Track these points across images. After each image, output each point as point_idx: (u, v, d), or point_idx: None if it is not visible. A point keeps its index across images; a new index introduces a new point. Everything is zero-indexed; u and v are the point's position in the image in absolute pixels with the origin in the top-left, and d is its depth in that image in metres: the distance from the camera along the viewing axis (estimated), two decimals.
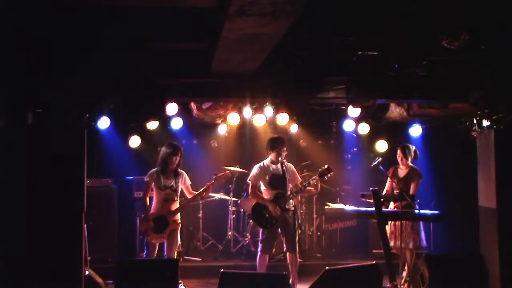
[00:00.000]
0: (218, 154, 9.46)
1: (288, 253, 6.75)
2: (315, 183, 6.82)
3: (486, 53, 5.41)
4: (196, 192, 6.68)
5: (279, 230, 6.75)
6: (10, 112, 6.01)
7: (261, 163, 6.87)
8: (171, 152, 6.57)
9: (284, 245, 6.86)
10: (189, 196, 6.69)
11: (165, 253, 6.59)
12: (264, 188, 6.82)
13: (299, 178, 7.04)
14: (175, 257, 6.53)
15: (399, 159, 7.21)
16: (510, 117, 6.73)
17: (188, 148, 9.36)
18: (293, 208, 6.57)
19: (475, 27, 4.86)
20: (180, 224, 6.71)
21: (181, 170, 6.72)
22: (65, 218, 5.67)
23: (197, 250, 8.85)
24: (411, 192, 6.91)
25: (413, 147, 7.26)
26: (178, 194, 6.63)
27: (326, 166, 6.73)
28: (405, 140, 8.81)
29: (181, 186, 6.65)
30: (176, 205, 6.62)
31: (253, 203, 6.84)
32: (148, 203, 6.58)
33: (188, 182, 6.73)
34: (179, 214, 6.63)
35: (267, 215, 6.66)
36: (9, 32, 5.05)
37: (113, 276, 5.72)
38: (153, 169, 6.64)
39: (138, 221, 7.96)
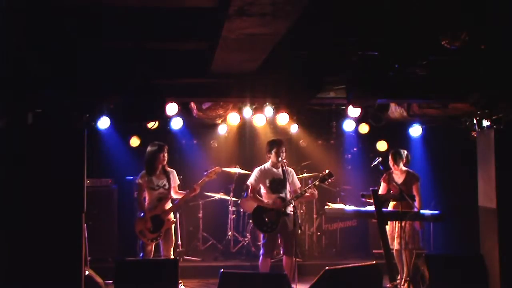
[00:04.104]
0: (218, 154, 9.46)
1: (284, 256, 6.75)
2: (312, 191, 6.80)
3: (486, 53, 5.40)
4: (183, 192, 6.69)
5: (278, 234, 6.74)
6: (10, 112, 6.01)
7: (262, 167, 6.85)
8: (157, 150, 6.57)
9: (281, 248, 6.86)
10: (174, 196, 6.69)
11: (162, 253, 6.59)
12: (264, 191, 6.80)
13: (299, 184, 7.03)
14: (172, 256, 6.53)
15: (390, 164, 7.20)
16: (510, 117, 6.73)
17: (188, 148, 9.41)
18: (292, 212, 6.57)
19: (475, 27, 4.85)
20: (174, 223, 6.71)
21: (171, 169, 6.73)
22: (65, 218, 5.66)
23: (197, 250, 8.85)
24: (415, 195, 6.92)
25: (404, 152, 7.23)
26: (171, 192, 6.64)
27: (327, 171, 6.73)
28: (405, 140, 8.85)
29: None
30: (169, 204, 6.63)
31: (254, 206, 6.83)
32: (143, 203, 6.58)
33: (177, 181, 6.74)
34: (172, 212, 6.64)
35: (267, 219, 6.65)
36: (9, 32, 5.05)
37: (113, 276, 5.72)
38: (144, 171, 6.62)
39: None
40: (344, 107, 8.22)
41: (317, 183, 6.77)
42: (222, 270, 5.34)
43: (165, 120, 8.22)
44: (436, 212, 6.60)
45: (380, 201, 6.46)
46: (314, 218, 8.89)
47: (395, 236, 6.96)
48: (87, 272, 6.22)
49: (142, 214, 6.52)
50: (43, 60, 5.80)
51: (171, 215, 6.61)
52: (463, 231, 8.19)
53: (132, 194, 8.33)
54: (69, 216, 5.69)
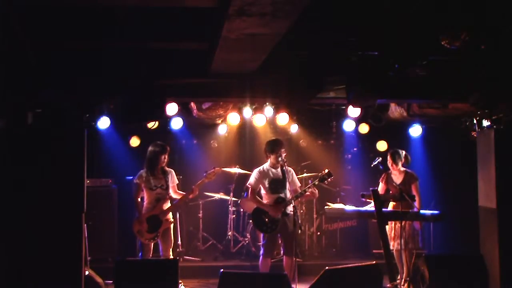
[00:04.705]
0: (218, 154, 9.46)
1: (284, 257, 6.74)
2: (312, 190, 6.77)
3: (486, 53, 5.40)
4: (182, 193, 6.69)
5: (278, 234, 6.73)
6: (10, 112, 6.01)
7: (261, 168, 6.82)
8: (160, 151, 6.57)
9: (281, 248, 6.86)
10: (174, 195, 6.69)
11: (161, 253, 6.59)
12: (264, 192, 6.79)
13: (299, 183, 7.01)
14: (171, 257, 6.53)
15: (389, 164, 7.17)
16: (510, 117, 6.73)
17: (188, 148, 9.41)
18: (292, 212, 6.56)
19: (475, 27, 4.85)
20: (173, 223, 6.70)
21: (169, 169, 6.73)
22: (65, 218, 5.66)
23: (197, 250, 8.85)
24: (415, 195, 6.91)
25: (403, 152, 7.21)
26: (169, 192, 6.64)
27: (326, 171, 6.71)
28: (405, 140, 8.85)
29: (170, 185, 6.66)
30: (167, 204, 6.63)
31: (254, 207, 6.83)
32: (139, 203, 6.59)
33: (176, 181, 6.74)
34: (170, 212, 6.64)
35: (267, 220, 6.63)
36: (9, 32, 5.05)
37: (113, 276, 5.72)
38: (142, 170, 6.62)
39: None
40: (344, 107, 8.22)
41: (316, 182, 6.75)
42: (222, 270, 5.34)
43: (165, 120, 8.22)
44: (436, 212, 6.60)
45: (380, 201, 6.46)
46: (314, 218, 8.89)
47: (395, 236, 6.95)
48: (87, 272, 6.22)
49: (136, 216, 6.54)
50: (43, 60, 5.80)
51: (170, 215, 6.61)
52: (463, 231, 8.19)
53: (132, 194, 8.33)
54: (69, 216, 5.69)
